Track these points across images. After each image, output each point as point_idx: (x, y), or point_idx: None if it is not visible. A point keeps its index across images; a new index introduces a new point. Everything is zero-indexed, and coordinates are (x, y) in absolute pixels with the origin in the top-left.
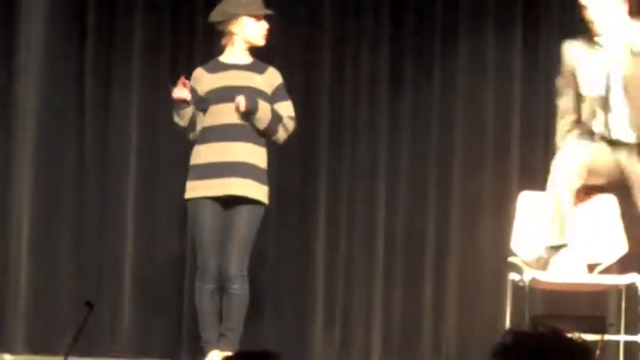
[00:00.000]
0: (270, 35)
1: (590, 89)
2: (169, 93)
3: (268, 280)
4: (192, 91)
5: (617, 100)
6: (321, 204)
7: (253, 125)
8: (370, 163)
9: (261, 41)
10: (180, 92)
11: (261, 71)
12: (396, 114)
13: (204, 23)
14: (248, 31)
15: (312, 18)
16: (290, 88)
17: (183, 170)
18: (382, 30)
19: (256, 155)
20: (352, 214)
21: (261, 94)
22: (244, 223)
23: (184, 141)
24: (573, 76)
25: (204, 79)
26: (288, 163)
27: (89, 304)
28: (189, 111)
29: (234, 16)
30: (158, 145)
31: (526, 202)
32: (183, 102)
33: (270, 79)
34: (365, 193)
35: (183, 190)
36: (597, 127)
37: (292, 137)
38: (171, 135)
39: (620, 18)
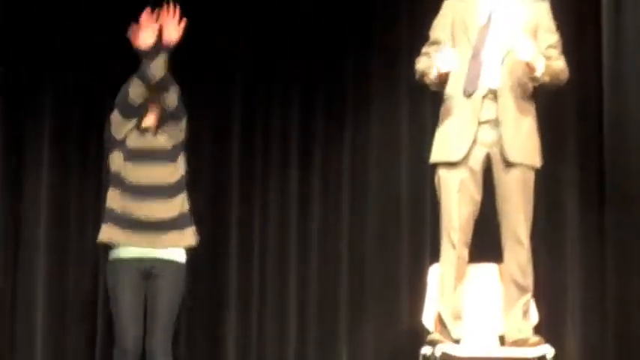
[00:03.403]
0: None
1: None
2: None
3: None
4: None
5: None
6: (233, 284)
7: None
8: (281, 237)
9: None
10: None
11: None
12: (307, 187)
13: None
14: None
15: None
16: (199, 162)
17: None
18: (292, 108)
19: (170, 208)
20: (263, 289)
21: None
22: (167, 299)
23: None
24: None
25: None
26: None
27: None
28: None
29: None
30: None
31: (436, 275)
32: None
33: None
34: (276, 269)
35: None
36: None
37: (203, 216)
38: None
39: None
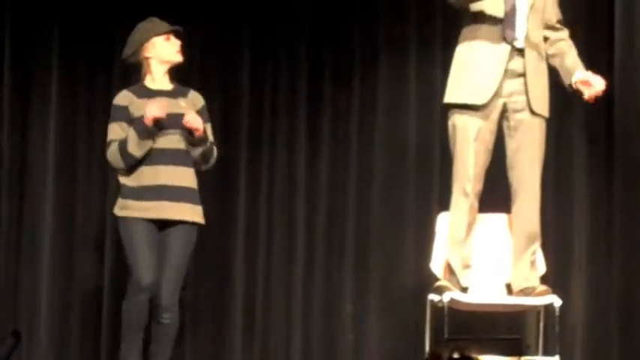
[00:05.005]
0: (188, 57)
1: None
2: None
3: (187, 301)
4: (126, 109)
5: None
6: (240, 224)
7: (186, 150)
8: (289, 181)
9: (177, 57)
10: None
11: (184, 95)
12: (315, 130)
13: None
14: (161, 51)
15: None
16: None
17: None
18: (300, 46)
19: (188, 177)
20: (271, 231)
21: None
22: (178, 252)
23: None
24: None
25: (134, 102)
26: (206, 182)
27: (16, 334)
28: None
29: (144, 41)
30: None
31: (445, 222)
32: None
33: (194, 100)
34: (284, 210)
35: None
36: None
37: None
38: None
39: None
